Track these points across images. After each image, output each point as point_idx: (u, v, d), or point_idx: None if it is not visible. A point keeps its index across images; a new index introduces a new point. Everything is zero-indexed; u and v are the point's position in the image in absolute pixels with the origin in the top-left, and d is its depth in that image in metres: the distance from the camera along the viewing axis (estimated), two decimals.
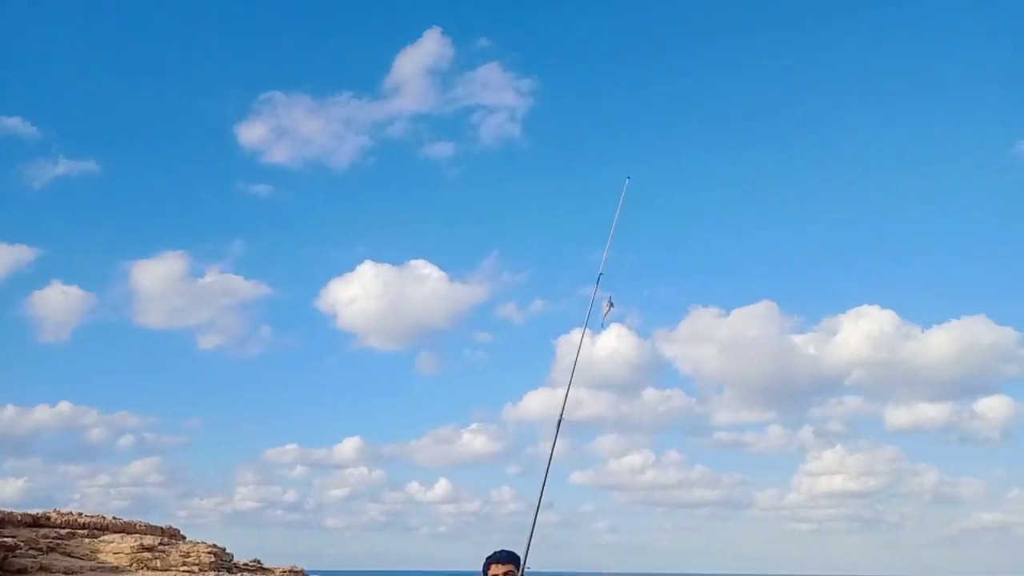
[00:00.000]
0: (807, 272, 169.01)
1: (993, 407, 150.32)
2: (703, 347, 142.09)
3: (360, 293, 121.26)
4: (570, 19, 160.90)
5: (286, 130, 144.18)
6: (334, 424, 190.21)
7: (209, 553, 50.46)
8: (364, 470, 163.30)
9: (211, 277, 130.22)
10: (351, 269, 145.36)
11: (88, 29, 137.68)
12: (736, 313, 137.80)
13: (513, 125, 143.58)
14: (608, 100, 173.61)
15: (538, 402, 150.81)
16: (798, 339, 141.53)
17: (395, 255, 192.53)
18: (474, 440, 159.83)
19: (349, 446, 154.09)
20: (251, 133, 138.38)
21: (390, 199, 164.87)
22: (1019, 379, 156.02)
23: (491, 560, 5.27)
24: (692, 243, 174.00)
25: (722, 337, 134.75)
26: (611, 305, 7.34)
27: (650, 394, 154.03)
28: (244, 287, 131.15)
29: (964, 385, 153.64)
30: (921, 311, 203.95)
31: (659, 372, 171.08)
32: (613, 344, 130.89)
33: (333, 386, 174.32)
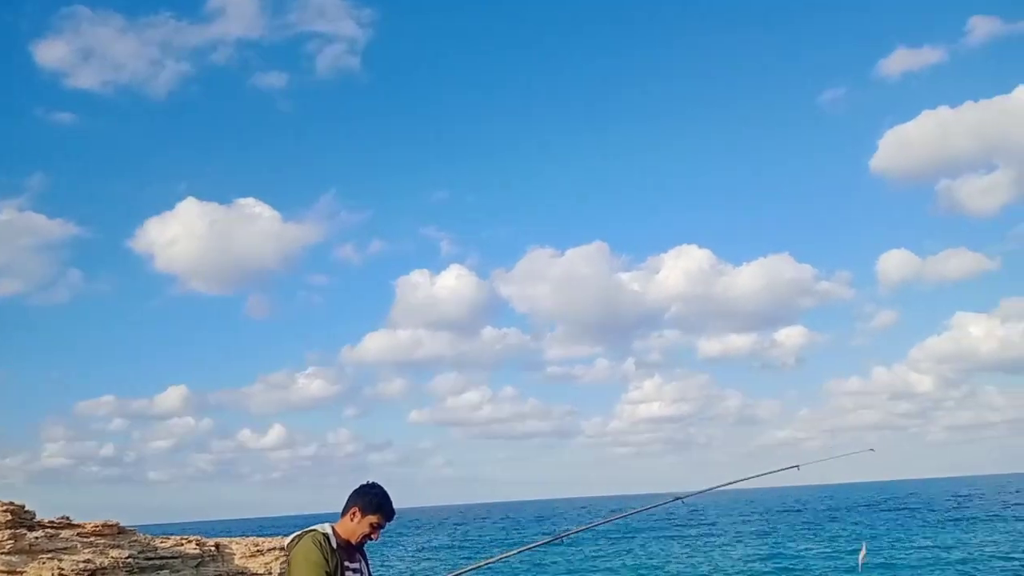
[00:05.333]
0: (636, 214, 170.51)
1: (790, 336, 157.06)
2: (538, 286, 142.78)
3: (181, 233, 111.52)
4: None
5: (93, 52, 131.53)
6: (155, 373, 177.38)
7: (4, 511, 49.40)
8: (190, 420, 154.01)
9: (7, 215, 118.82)
10: (171, 208, 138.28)
11: None
12: (570, 253, 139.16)
13: (352, 57, 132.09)
14: (449, 36, 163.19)
15: (378, 344, 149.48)
16: (625, 277, 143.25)
17: (221, 193, 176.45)
18: (310, 384, 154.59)
19: (173, 395, 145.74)
20: (51, 53, 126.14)
21: (215, 132, 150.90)
22: (813, 311, 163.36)
23: (385, 513, 4.01)
24: (531, 185, 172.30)
25: (556, 276, 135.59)
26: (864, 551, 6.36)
27: (488, 332, 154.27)
28: (46, 226, 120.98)
29: (767, 316, 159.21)
30: (734, 250, 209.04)
31: (497, 311, 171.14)
32: (453, 284, 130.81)
33: (153, 333, 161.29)
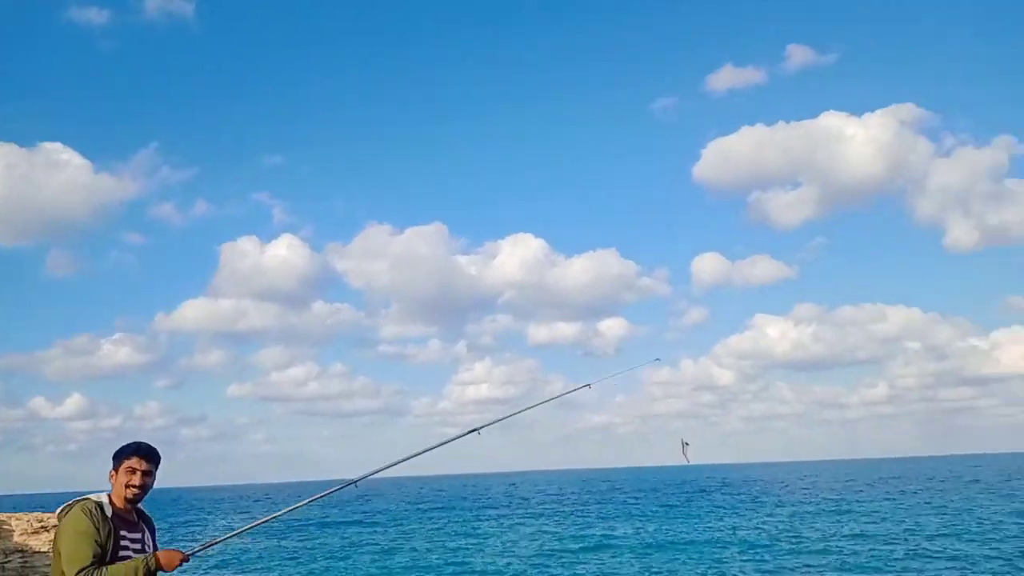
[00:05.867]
0: (476, 199, 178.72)
1: (612, 327, 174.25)
2: (375, 262, 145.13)
3: None
4: None
5: None
6: None
7: None
8: None
9: None
10: None
11: None
12: (409, 232, 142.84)
13: (185, 3, 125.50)
14: None
15: (197, 312, 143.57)
16: (462, 260, 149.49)
17: (22, 134, 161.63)
18: (117, 351, 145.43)
19: None
20: None
21: (21, 68, 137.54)
22: (634, 304, 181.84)
23: (130, 452, 3.82)
24: (372, 159, 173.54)
25: (394, 254, 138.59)
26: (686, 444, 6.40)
27: (319, 307, 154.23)
28: None
29: (592, 308, 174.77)
30: (566, 242, 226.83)
31: (330, 285, 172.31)
32: (284, 254, 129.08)
33: None
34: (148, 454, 3.84)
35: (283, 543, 34.54)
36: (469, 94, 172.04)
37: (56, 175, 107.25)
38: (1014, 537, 26.81)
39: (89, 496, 3.74)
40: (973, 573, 19.97)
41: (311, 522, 45.67)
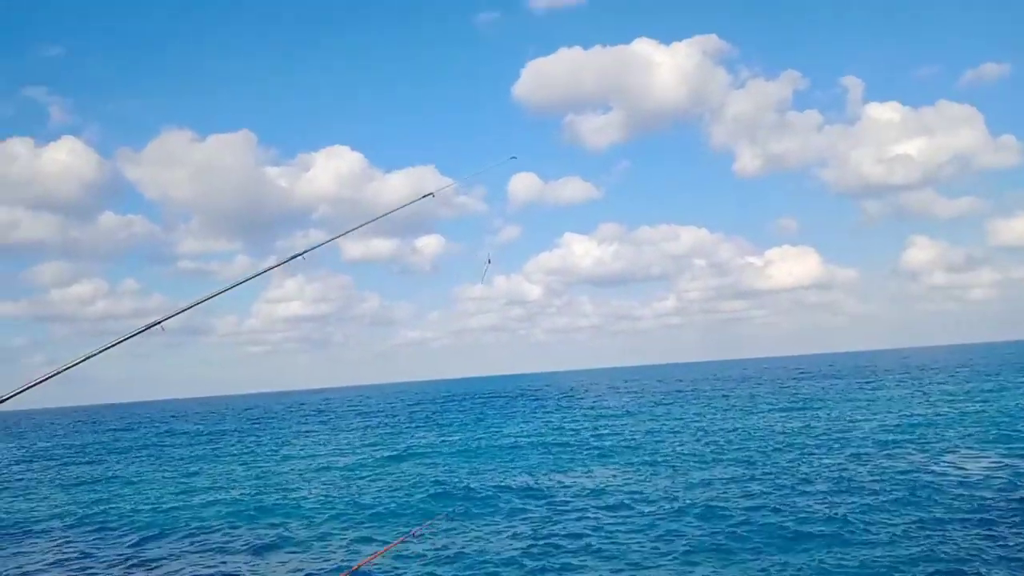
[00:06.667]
0: (288, 108, 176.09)
1: (429, 244, 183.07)
2: (174, 171, 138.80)
3: None
4: None
5: None
6: None
7: None
8: None
9: None
10: None
11: None
12: (212, 139, 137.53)
13: None
14: None
15: None
16: (272, 171, 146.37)
17: None
18: None
19: None
20: None
21: None
22: (450, 221, 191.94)
23: None
24: (171, 55, 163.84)
25: (195, 162, 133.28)
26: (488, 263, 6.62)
27: (108, 219, 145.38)
28: None
29: (409, 224, 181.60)
30: (384, 157, 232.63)
31: (121, 195, 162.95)
32: (64, 159, 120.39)
33: None
34: None
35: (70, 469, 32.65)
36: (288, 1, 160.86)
37: None
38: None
39: None
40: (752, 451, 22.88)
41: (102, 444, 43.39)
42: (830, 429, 28.75)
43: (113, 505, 22.15)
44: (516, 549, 13.65)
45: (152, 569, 14.18)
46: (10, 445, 54.60)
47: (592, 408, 51.72)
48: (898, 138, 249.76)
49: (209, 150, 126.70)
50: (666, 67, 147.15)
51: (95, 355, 4.43)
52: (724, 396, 55.54)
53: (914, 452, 21.81)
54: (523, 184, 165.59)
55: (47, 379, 4.25)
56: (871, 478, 18.05)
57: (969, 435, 24.69)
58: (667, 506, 16.31)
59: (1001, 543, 11.97)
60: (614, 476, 20.98)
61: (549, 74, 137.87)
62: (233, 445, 40.74)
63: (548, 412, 50.40)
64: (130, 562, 14.85)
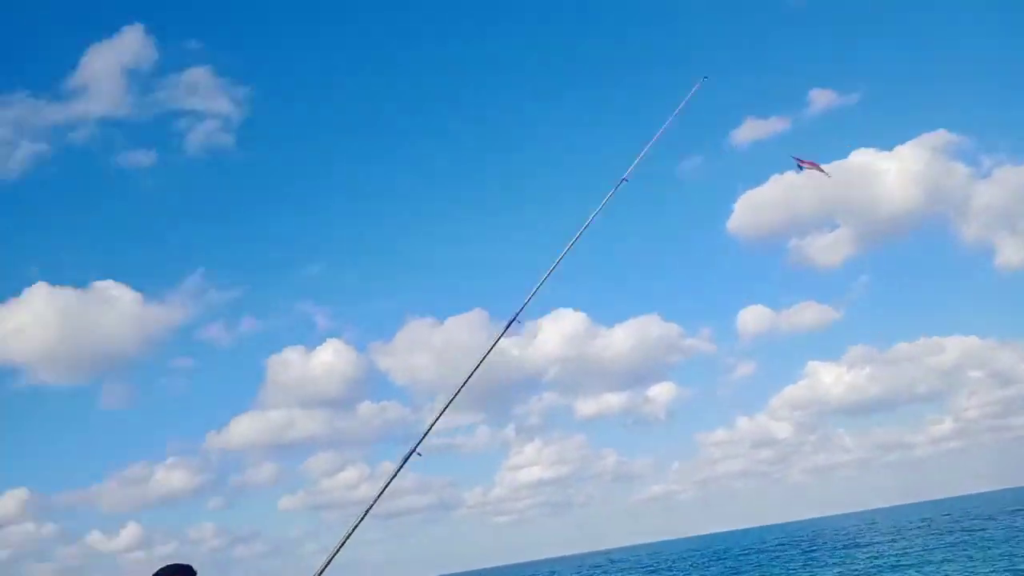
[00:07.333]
0: (512, 282, 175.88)
1: (661, 392, 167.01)
2: (418, 356, 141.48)
3: (28, 321, 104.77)
4: (289, 22, 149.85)
5: None
6: None
7: None
8: (30, 526, 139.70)
9: None
10: (17, 293, 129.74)
11: None
12: (450, 321, 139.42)
13: (226, 135, 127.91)
14: (327, 110, 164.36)
15: (245, 427, 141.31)
16: (504, 342, 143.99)
17: (77, 276, 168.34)
18: (171, 476, 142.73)
19: (11, 500, 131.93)
20: None
21: (74, 213, 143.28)
22: (680, 366, 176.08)
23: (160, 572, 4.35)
24: (408, 256, 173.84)
25: (436, 345, 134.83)
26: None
27: (366, 407, 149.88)
28: None
29: (639, 374, 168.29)
30: (606, 313, 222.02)
31: (375, 385, 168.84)
32: (330, 360, 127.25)
33: None
34: (173, 573, 4.28)
35: None
36: (489, 181, 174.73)
37: (107, 311, 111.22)
38: None
39: None
40: None
41: None
42: None
43: None
44: None
45: None
46: None
47: (899, 560, 44.43)
48: None
49: (447, 332, 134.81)
50: (893, 172, 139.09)
51: (361, 520, 5.08)
52: None
53: None
54: (752, 317, 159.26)
55: (326, 566, 5.05)
56: None
57: None
58: None
59: None
60: None
61: (764, 203, 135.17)
62: None
63: (848, 564, 43.90)
64: None
